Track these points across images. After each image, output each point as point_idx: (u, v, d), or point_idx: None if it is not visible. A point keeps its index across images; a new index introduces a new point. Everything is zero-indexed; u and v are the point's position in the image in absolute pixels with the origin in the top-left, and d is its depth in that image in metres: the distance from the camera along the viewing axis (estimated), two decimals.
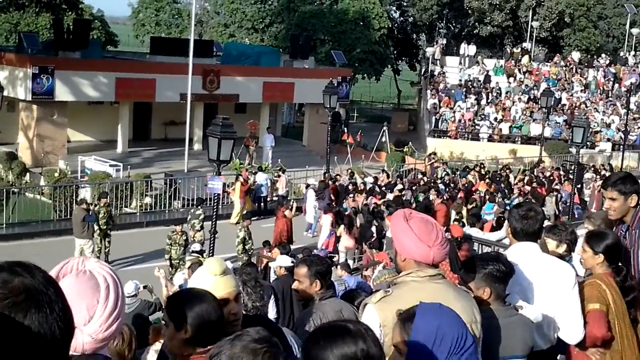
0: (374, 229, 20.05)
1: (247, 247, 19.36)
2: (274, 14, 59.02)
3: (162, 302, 12.01)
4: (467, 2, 60.75)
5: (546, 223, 5.51)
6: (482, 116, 45.64)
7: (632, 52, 57.26)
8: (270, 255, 16.28)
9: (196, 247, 16.88)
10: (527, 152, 40.54)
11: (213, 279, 3.73)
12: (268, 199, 27.80)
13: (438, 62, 53.08)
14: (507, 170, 32.65)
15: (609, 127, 44.28)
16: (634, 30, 59.79)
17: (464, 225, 17.51)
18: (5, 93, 28.82)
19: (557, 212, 25.67)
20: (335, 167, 32.58)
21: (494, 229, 18.88)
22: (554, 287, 4.70)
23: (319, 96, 30.86)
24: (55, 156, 31.95)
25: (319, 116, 38.01)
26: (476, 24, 62.79)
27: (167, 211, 26.52)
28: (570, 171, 30.65)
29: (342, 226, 20.10)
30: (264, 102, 38.94)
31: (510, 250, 4.92)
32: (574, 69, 52.26)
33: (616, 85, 50.10)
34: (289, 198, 27.02)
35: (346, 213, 21.62)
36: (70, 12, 40.33)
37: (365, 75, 58.54)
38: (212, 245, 17.04)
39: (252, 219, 21.55)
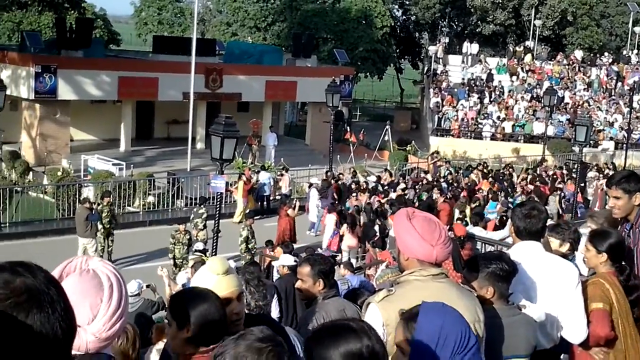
0: (377, 228, 20.06)
1: (250, 246, 19.35)
2: (276, 12, 59.02)
3: (165, 301, 12.02)
4: (469, 1, 60.68)
5: (549, 222, 5.49)
6: (485, 115, 45.62)
7: (635, 51, 57.18)
8: (273, 254, 16.28)
9: (199, 246, 16.86)
10: (530, 151, 40.53)
11: (216, 278, 3.73)
12: (271, 198, 27.79)
13: (441, 60, 53.05)
14: (510, 169, 32.64)
15: (612, 125, 44.25)
16: (637, 29, 59.73)
17: (467, 224, 17.51)
18: (8, 92, 28.82)
19: (560, 211, 25.64)
20: (338, 166, 32.57)
21: (497, 227, 18.88)
22: (557, 286, 4.70)
23: (321, 95, 30.85)
24: (58, 155, 32.00)
25: (321, 115, 38.00)
26: (479, 22, 62.71)
27: (170, 210, 26.53)
28: (574, 170, 30.60)
29: (345, 225, 20.10)
30: (267, 100, 38.96)
31: (514, 249, 4.91)
32: (577, 68, 52.20)
33: (619, 84, 50.06)
34: (291, 197, 27.01)
35: (349, 212, 21.62)
36: (72, 11, 40.39)
37: (367, 73, 58.52)
38: (215, 244, 17.04)
39: (255, 218, 21.55)
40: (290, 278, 9.78)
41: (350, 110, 52.08)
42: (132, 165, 30.01)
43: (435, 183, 27.13)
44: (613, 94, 49.24)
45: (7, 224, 23.26)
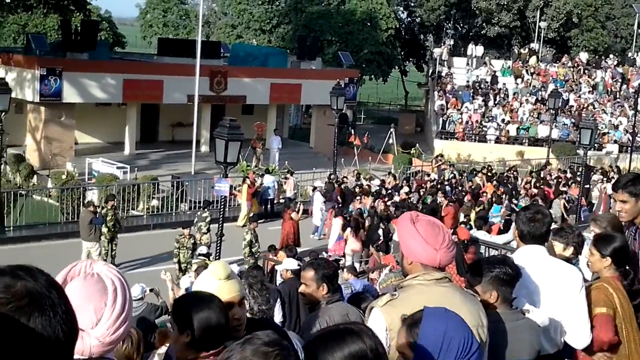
0: (380, 231, 20.05)
1: (253, 250, 19.35)
2: (281, 14, 59.08)
3: (168, 306, 12.02)
4: (474, 3, 60.69)
5: (553, 226, 5.48)
6: (490, 118, 45.58)
7: None
8: (276, 258, 16.27)
9: (203, 250, 16.87)
10: (535, 154, 40.47)
11: (217, 283, 3.72)
12: (275, 202, 27.77)
13: (445, 63, 53.05)
14: (515, 172, 32.60)
15: (616, 128, 44.17)
16: None
17: (471, 228, 17.49)
18: (13, 95, 28.82)
19: (564, 215, 25.61)
20: (342, 169, 32.57)
21: (501, 231, 18.87)
22: (560, 290, 4.68)
23: (326, 97, 30.86)
24: (62, 158, 32.02)
25: (326, 118, 38.00)
26: (484, 24, 62.72)
27: (174, 214, 26.54)
28: (578, 173, 30.57)
29: (348, 229, 20.09)
30: (271, 103, 38.97)
31: (517, 253, 4.90)
32: (582, 70, 52.14)
33: (624, 86, 49.98)
34: (296, 200, 27.00)
35: (352, 216, 21.60)
36: (78, 14, 40.47)
37: (372, 76, 58.53)
38: (218, 248, 17.04)
39: (259, 221, 21.53)
40: (293, 282, 9.77)
41: (355, 113, 52.08)
42: (136, 169, 30.03)
43: (439, 186, 27.11)
44: (618, 96, 49.17)
45: (12, 228, 23.29)
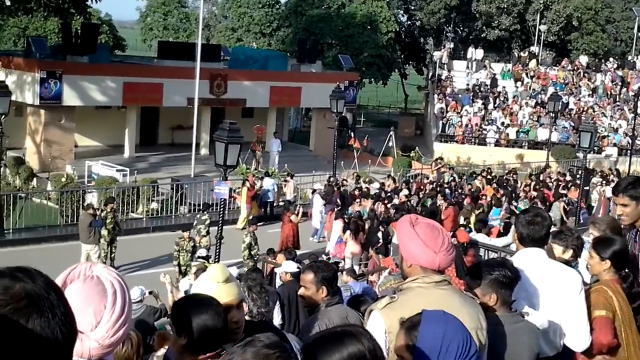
0: (380, 234, 20.03)
1: (253, 252, 19.34)
2: (281, 18, 59.15)
3: (168, 308, 12.01)
4: (474, 6, 60.74)
5: (552, 228, 5.48)
6: (489, 121, 45.60)
7: None
8: (275, 261, 16.26)
9: (202, 252, 16.86)
10: (534, 157, 40.48)
11: (216, 286, 3.73)
12: (275, 204, 27.77)
13: (445, 66, 53.08)
14: (514, 175, 32.60)
15: (616, 131, 44.18)
16: None
17: (470, 231, 17.47)
18: (13, 97, 28.82)
19: (563, 217, 25.59)
20: (342, 172, 32.56)
21: (501, 234, 18.86)
22: (560, 293, 4.68)
23: (326, 101, 30.86)
24: (62, 161, 32.03)
25: (326, 121, 38.00)
26: (484, 27, 62.76)
27: (173, 216, 26.53)
28: (577, 176, 30.55)
29: (347, 232, 20.07)
30: (271, 106, 38.98)
31: (517, 256, 4.90)
32: (582, 73, 52.17)
33: (624, 90, 50.00)
34: (295, 203, 27.00)
35: (352, 218, 21.58)
36: (78, 17, 40.39)
37: (372, 79, 58.55)
38: (218, 250, 17.03)
39: (258, 224, 21.53)
40: (293, 285, 9.76)
41: (355, 116, 52.10)
42: (136, 172, 30.03)
43: (438, 189, 27.11)
44: (618, 99, 49.19)
45: (11, 230, 23.28)
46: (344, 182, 28.65)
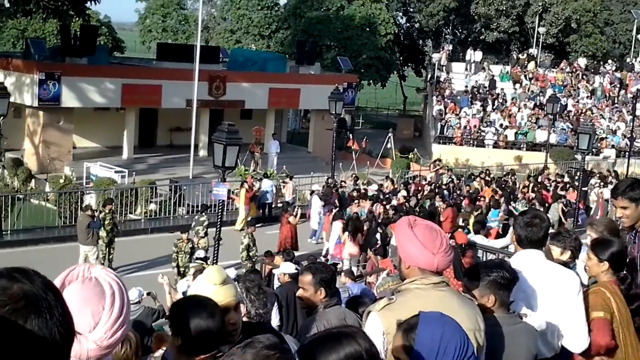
0: (378, 235, 20.04)
1: (251, 254, 19.32)
2: (280, 20, 59.16)
3: (166, 309, 12.00)
4: (473, 8, 60.80)
5: (550, 230, 5.48)
6: (488, 123, 45.62)
7: (639, 58, 57.19)
8: (273, 263, 16.26)
9: (200, 254, 16.86)
10: (533, 159, 40.50)
11: (213, 288, 3.73)
12: (273, 206, 27.78)
13: (444, 68, 53.12)
14: (513, 177, 32.60)
15: (614, 133, 44.21)
16: None
17: (468, 232, 17.48)
18: (11, 99, 28.87)
19: (562, 219, 25.62)
20: (340, 173, 32.56)
21: (500, 235, 18.87)
22: (558, 294, 4.68)
23: (324, 102, 30.87)
24: (60, 162, 32.02)
25: (324, 122, 38.02)
26: (482, 29, 62.81)
27: (171, 218, 26.51)
28: (576, 177, 30.59)
29: (346, 233, 20.07)
30: (270, 108, 38.98)
31: (515, 257, 4.90)
32: (580, 75, 52.22)
33: (622, 92, 50.04)
34: (294, 204, 27.00)
35: (350, 219, 21.58)
36: (77, 18, 40.41)
37: (371, 81, 58.57)
38: (216, 252, 17.03)
39: (257, 225, 21.53)
40: (291, 286, 9.76)
41: (353, 118, 52.12)
42: (134, 173, 30.02)
43: (437, 191, 27.12)
44: (616, 101, 49.23)
45: (9, 232, 23.26)
46: (343, 183, 28.65)
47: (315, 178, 31.00)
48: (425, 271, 3.76)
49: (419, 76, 69.02)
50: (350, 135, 42.50)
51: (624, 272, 5.20)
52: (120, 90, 33.50)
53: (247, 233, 19.84)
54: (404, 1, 65.44)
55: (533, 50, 57.65)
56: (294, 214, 23.13)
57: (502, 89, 49.71)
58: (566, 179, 31.75)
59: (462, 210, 24.01)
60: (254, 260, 18.99)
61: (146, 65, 40.24)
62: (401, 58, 65.52)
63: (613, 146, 42.91)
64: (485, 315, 3.93)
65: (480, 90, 49.61)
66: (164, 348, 4.86)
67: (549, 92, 48.04)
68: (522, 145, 43.60)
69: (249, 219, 23.93)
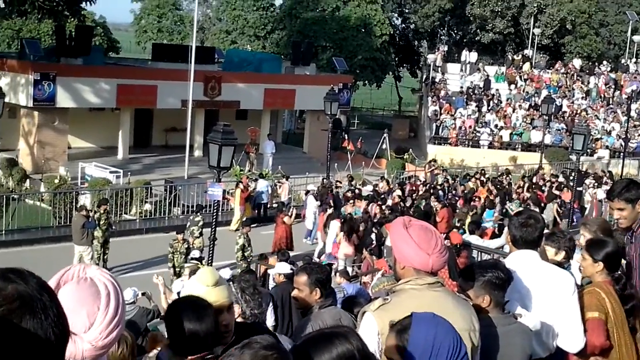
0: (373, 235, 20.04)
1: (246, 254, 19.33)
2: (275, 20, 59.14)
3: (161, 309, 12.00)
4: (468, 9, 60.86)
5: (545, 230, 5.49)
6: (483, 123, 45.68)
7: (634, 59, 57.33)
8: (268, 263, 16.26)
9: (195, 254, 16.85)
10: (528, 160, 40.55)
11: (205, 289, 3.74)
12: (268, 206, 27.77)
13: (439, 69, 53.16)
14: (508, 177, 32.63)
15: (609, 134, 44.29)
16: (636, 38, 59.82)
17: (464, 232, 17.50)
18: (6, 99, 28.79)
19: (557, 219, 25.65)
20: (336, 174, 32.57)
21: (495, 236, 18.87)
22: (553, 294, 4.69)
23: (320, 103, 30.87)
24: (55, 162, 31.96)
25: (319, 123, 38.02)
26: (478, 30, 62.86)
27: (166, 218, 26.49)
28: (571, 178, 30.64)
29: (341, 233, 20.06)
30: (265, 108, 38.97)
31: (510, 258, 4.91)
32: (575, 76, 52.31)
33: (617, 93, 50.14)
34: (289, 205, 27.00)
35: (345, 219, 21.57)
36: (72, 19, 40.34)
37: (366, 82, 58.60)
38: (211, 252, 17.02)
39: (252, 225, 21.53)
40: (286, 286, 9.76)
41: (349, 119, 52.13)
42: (129, 173, 29.99)
43: (432, 191, 27.14)
44: (611, 102, 49.33)
45: (4, 232, 23.21)
46: (338, 183, 28.66)
47: (310, 178, 31.01)
48: (420, 272, 3.76)
49: (415, 77, 69.06)
50: (346, 135, 42.50)
51: (619, 272, 5.21)
52: (115, 90, 33.46)
53: (242, 233, 19.84)
54: (399, 2, 65.46)
55: (528, 51, 57.72)
56: (289, 214, 23.13)
57: (497, 89, 49.76)
58: (560, 179, 31.79)
59: (458, 210, 24.02)
60: (249, 260, 18.99)
61: (141, 65, 40.19)
62: (396, 59, 65.55)
63: (607, 147, 43.00)
64: (480, 315, 3.94)
65: (476, 91, 49.67)
66: (159, 348, 4.86)
67: (544, 93, 48.14)
68: (517, 146, 43.66)
69: (244, 219, 23.93)
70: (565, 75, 52.45)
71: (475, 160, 40.96)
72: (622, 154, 39.22)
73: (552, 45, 62.27)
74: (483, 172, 33.28)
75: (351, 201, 24.65)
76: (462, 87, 50.45)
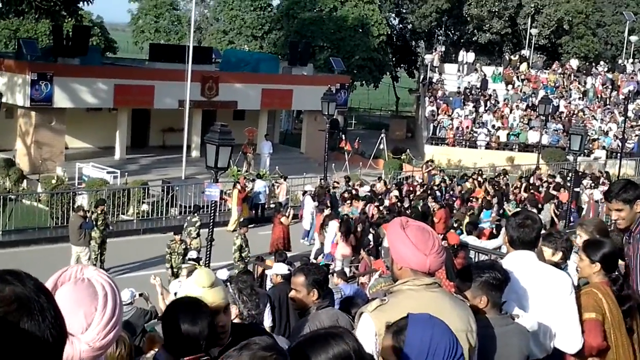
0: (370, 236, 20.04)
1: (243, 254, 19.32)
2: (273, 20, 59.13)
3: (158, 310, 11.99)
4: (466, 10, 60.87)
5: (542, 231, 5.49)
6: (480, 124, 45.69)
7: (631, 60, 57.41)
8: (265, 264, 16.26)
9: (193, 254, 16.84)
10: (525, 160, 40.58)
11: (201, 290, 3.74)
12: (265, 207, 27.77)
13: (436, 69, 53.18)
14: (505, 177, 32.64)
15: (606, 134, 44.33)
16: (633, 38, 59.93)
17: (461, 233, 17.51)
18: (3, 99, 28.85)
19: (554, 219, 25.67)
20: (333, 174, 32.57)
21: (493, 236, 18.89)
22: (550, 295, 4.70)
23: (317, 103, 30.87)
24: (53, 163, 31.93)
25: (317, 123, 38.01)
26: (475, 31, 62.87)
27: (164, 218, 26.49)
28: (568, 178, 30.65)
29: (338, 233, 20.08)
30: (263, 109, 38.97)
31: (507, 258, 4.92)
32: (572, 77, 52.35)
33: (614, 93, 50.19)
34: (287, 205, 27.00)
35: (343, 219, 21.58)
36: (69, 19, 40.33)
37: (363, 82, 58.58)
38: (208, 252, 17.01)
39: (249, 226, 21.52)
40: (283, 287, 9.76)
41: (346, 119, 52.11)
42: (126, 174, 29.96)
43: (429, 191, 27.15)
44: (608, 103, 49.37)
45: (1, 232, 23.21)
46: (335, 184, 28.66)
47: (307, 179, 31.00)
48: (417, 272, 3.76)
49: (412, 77, 69.07)
50: (343, 136, 42.50)
51: (616, 273, 5.22)
52: (112, 90, 33.44)
53: (239, 234, 19.83)
54: (396, 2, 65.45)
55: (525, 52, 57.75)
56: (286, 214, 23.13)
57: (495, 90, 49.78)
58: (558, 180, 31.80)
59: (455, 211, 24.04)
60: (246, 261, 18.98)
61: (139, 65, 40.17)
62: (394, 59, 65.56)
63: (604, 147, 43.04)
64: (477, 316, 3.94)
65: (473, 92, 49.67)
66: (156, 349, 4.86)
67: (541, 93, 48.17)
68: (514, 146, 43.68)
69: (242, 219, 23.92)
70: (562, 76, 52.48)
71: (472, 161, 40.97)
72: (619, 154, 39.25)
73: (549, 46, 62.32)
74: (480, 172, 33.28)
75: (348, 202, 24.66)
76: (459, 88, 50.47)
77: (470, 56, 54.72)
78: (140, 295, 12.61)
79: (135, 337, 9.68)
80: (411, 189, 28.84)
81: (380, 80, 61.04)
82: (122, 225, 25.42)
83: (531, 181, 31.41)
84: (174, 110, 34.93)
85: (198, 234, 20.75)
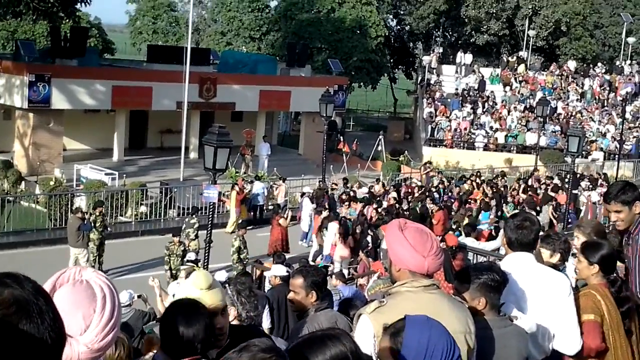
0: (369, 238, 20.05)
1: (242, 256, 19.31)
2: (271, 22, 59.15)
3: (156, 312, 11.99)
4: (463, 11, 60.92)
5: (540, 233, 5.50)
6: (478, 125, 45.71)
7: (628, 61, 57.45)
8: (264, 265, 16.26)
9: (191, 256, 16.84)
10: (523, 162, 40.62)
11: (199, 292, 3.74)
12: (264, 208, 27.77)
13: (434, 70, 53.17)
14: (504, 179, 32.67)
15: (604, 136, 44.37)
16: (630, 39, 60.00)
17: (459, 235, 17.52)
18: (1, 101, 28.83)
19: (552, 221, 25.69)
20: (331, 176, 32.57)
21: (492, 238, 18.91)
22: (548, 297, 4.70)
23: (315, 105, 30.84)
24: (51, 164, 31.92)
25: (315, 125, 38.02)
26: (473, 32, 62.91)
27: (162, 220, 26.48)
28: (566, 180, 30.68)
29: (337, 235, 20.08)
30: (261, 110, 38.97)
31: (505, 260, 4.91)
32: (570, 78, 52.38)
33: (612, 95, 50.23)
34: (285, 207, 26.99)
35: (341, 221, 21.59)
36: (67, 20, 40.34)
37: (361, 83, 58.62)
38: (207, 254, 17.00)
39: (248, 228, 21.49)
40: (282, 288, 9.76)
41: (344, 120, 52.15)
42: (124, 175, 29.94)
43: (427, 193, 27.17)
44: (606, 104, 49.41)
45: None
46: (334, 185, 28.67)
47: (306, 180, 31.01)
48: (415, 274, 3.76)
49: (410, 79, 69.12)
50: (341, 137, 42.50)
51: (614, 274, 5.22)
52: (110, 92, 33.42)
53: (238, 235, 19.81)
54: (394, 4, 65.49)
55: (523, 53, 57.78)
56: (285, 216, 23.13)
57: (492, 91, 49.81)
58: (556, 181, 31.83)
59: (454, 212, 24.05)
60: (245, 262, 18.98)
61: (136, 67, 40.16)
62: (392, 60, 65.61)
63: (602, 149, 43.08)
64: (476, 317, 3.94)
65: (471, 93, 49.69)
66: (155, 351, 4.86)
67: (539, 94, 48.19)
68: (512, 148, 43.72)
69: (240, 221, 23.88)
70: (560, 77, 52.50)
71: (470, 162, 41.00)
72: (617, 156, 39.28)
73: (546, 47, 62.39)
74: (478, 174, 33.30)
75: (346, 203, 24.67)
76: (457, 89, 50.48)
77: (468, 58, 54.73)
78: (139, 296, 12.61)
79: (133, 339, 9.68)
80: (409, 190, 28.84)
81: (378, 82, 61.07)
82: (120, 226, 25.40)
83: (529, 183, 31.44)
84: (172, 111, 34.92)
85: (196, 236, 20.74)
